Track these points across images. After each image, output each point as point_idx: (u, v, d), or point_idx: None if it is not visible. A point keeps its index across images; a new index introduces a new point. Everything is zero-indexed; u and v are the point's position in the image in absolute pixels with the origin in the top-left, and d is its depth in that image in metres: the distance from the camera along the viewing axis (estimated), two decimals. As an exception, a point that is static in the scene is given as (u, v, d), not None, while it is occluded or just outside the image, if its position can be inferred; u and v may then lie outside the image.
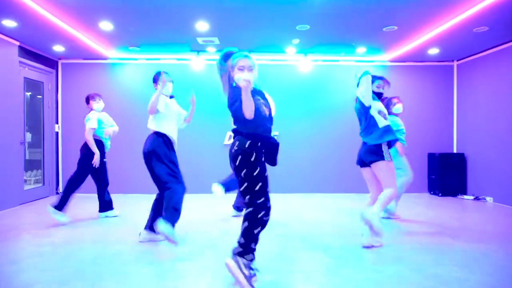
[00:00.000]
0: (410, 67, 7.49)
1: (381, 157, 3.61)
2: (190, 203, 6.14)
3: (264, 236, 3.63)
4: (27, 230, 4.38)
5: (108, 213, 5.09)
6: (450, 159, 7.13)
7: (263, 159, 2.62)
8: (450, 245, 3.74)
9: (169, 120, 3.83)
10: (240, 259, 2.46)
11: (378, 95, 3.93)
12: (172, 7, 4.66)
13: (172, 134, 3.84)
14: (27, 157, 6.97)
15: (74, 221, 4.86)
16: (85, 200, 6.27)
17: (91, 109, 4.96)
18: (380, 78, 4.00)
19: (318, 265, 3.15)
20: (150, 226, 3.75)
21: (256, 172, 2.52)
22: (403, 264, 3.17)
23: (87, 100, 4.99)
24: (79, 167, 4.79)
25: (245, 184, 2.52)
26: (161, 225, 3.28)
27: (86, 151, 4.80)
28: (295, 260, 3.29)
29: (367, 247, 3.59)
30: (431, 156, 7.31)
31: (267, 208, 2.54)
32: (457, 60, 7.38)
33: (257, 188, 2.51)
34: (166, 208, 3.42)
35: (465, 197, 6.89)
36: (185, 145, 6.88)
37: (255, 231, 2.48)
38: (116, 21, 5.17)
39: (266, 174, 2.61)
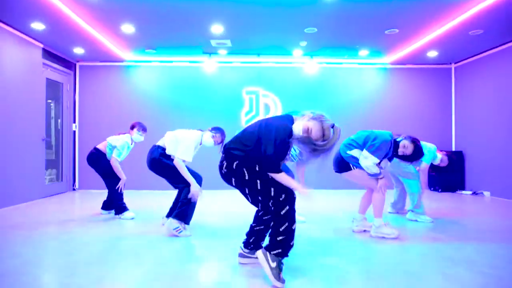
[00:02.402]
0: (410, 69, 7.88)
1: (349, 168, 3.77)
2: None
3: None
4: (58, 220, 4.72)
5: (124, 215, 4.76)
6: (450, 156, 7.45)
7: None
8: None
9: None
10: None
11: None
12: (192, 10, 5.04)
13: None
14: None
15: (94, 215, 5.17)
16: (99, 196, 6.58)
17: (129, 133, 4.75)
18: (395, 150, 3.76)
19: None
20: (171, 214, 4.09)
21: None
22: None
23: (133, 126, 4.75)
24: (106, 175, 4.73)
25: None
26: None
27: (96, 159, 4.74)
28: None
29: (356, 231, 3.92)
30: (431, 154, 7.65)
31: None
32: (455, 63, 7.77)
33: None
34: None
35: (464, 192, 7.23)
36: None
37: None
38: (138, 24, 5.55)
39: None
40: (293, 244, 2.41)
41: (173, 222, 3.65)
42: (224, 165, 2.52)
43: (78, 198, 6.57)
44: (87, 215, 4.87)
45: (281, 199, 2.38)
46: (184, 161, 3.72)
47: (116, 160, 4.58)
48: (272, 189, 2.40)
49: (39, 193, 6.34)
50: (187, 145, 3.76)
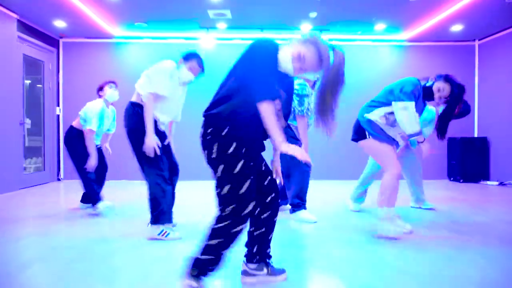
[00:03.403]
0: (429, 47, 7.13)
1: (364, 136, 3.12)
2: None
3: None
4: (26, 216, 4.04)
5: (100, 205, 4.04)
6: (472, 143, 6.79)
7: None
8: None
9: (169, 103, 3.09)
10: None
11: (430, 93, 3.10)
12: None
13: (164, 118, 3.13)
14: (26, 144, 6.62)
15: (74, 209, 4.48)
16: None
17: (101, 97, 4.03)
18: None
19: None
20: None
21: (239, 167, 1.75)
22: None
23: (101, 87, 4.05)
24: (79, 160, 3.95)
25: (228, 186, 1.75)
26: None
27: (73, 142, 3.97)
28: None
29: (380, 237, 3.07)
30: (451, 141, 6.95)
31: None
32: (479, 40, 7.02)
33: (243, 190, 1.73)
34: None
35: (489, 182, 6.55)
36: (192, 131, 6.52)
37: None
38: (122, -12, 4.81)
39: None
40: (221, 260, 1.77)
41: (154, 228, 2.94)
42: (201, 133, 1.84)
43: (61, 190, 5.90)
44: (64, 210, 4.19)
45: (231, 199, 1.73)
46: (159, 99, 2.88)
47: (91, 131, 3.83)
48: (228, 186, 1.73)
49: (17, 183, 5.65)
50: (159, 72, 2.91)
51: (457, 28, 6.28)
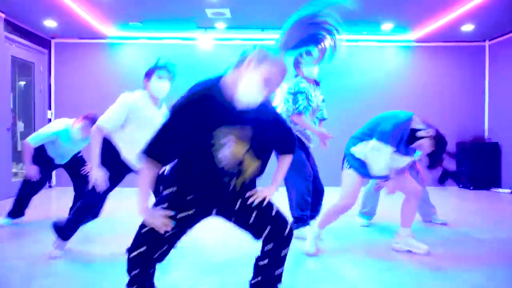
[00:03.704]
0: (437, 48, 6.84)
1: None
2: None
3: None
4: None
5: None
6: (482, 148, 6.52)
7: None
8: None
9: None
10: None
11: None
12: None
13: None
14: (19, 149, 6.36)
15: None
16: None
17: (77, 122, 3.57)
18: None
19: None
20: None
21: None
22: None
23: (85, 118, 3.56)
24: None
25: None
26: None
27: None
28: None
29: (396, 250, 2.93)
30: (460, 146, 6.67)
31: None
32: (489, 40, 6.73)
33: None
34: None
35: (500, 190, 6.26)
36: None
37: None
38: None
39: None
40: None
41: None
42: None
43: (51, 198, 5.62)
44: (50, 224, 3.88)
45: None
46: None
47: (27, 143, 3.51)
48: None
49: (5, 192, 5.36)
50: (113, 109, 2.68)
51: (468, 28, 5.99)
